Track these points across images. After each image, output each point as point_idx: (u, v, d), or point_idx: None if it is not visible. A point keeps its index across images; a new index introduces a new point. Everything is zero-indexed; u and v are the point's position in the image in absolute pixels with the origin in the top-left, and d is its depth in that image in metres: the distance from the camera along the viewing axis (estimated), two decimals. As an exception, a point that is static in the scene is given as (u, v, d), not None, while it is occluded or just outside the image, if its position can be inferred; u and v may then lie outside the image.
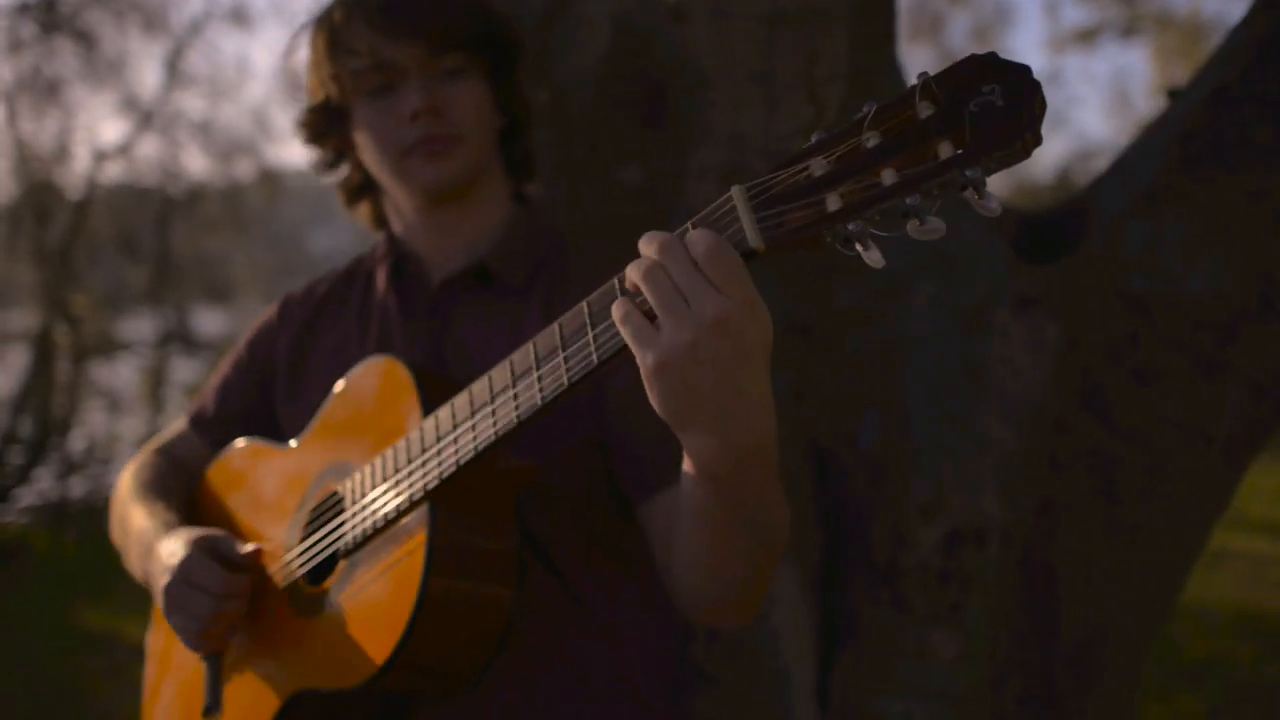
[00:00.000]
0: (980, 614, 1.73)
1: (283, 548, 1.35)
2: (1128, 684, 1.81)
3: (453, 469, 1.14)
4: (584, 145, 1.88)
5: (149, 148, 13.71)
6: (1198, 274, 1.69)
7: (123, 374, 13.71)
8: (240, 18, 12.69)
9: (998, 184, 0.85)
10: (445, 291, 1.48)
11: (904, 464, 1.76)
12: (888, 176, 0.78)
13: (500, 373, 1.12)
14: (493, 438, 1.10)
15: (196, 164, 13.48)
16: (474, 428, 1.13)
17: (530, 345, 1.08)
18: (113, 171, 12.64)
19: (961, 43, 12.48)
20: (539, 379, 1.06)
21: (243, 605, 1.29)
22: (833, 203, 0.80)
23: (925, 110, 0.76)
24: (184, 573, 1.25)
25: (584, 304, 1.00)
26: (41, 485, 12.73)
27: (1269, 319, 1.69)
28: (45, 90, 11.86)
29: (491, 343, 1.40)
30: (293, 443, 1.44)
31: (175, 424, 1.66)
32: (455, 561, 1.14)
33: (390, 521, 1.20)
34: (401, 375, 1.29)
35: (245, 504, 1.49)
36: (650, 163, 1.84)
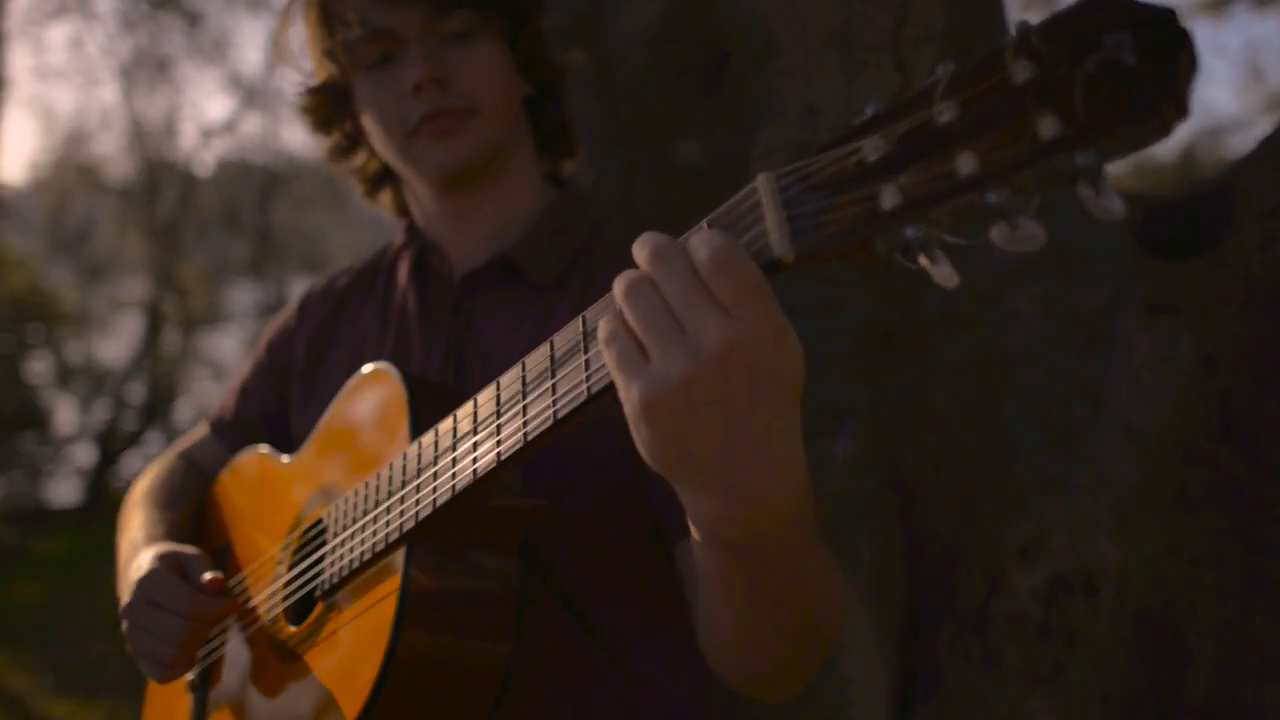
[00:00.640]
0: (1086, 677, 1.47)
1: (272, 575, 1.20)
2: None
3: (429, 510, 0.95)
4: (636, 119, 1.66)
5: (252, 125, 14.04)
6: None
7: (226, 345, 14.12)
8: (342, -6, 12.75)
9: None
10: (468, 287, 1.31)
11: (1002, 496, 1.51)
12: (965, 163, 0.57)
13: (487, 397, 0.92)
14: (471, 479, 0.91)
15: (297, 140, 13.69)
16: (454, 462, 0.95)
17: (520, 366, 0.88)
18: (218, 148, 12.97)
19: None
20: (524, 409, 0.86)
21: (207, 631, 1.17)
22: (889, 198, 0.61)
23: (1022, 72, 0.55)
24: (145, 589, 1.15)
25: (580, 318, 0.82)
26: (150, 450, 13.23)
27: None
28: (155, 68, 12.19)
29: (516, 347, 1.23)
30: (294, 456, 1.29)
31: (198, 428, 1.55)
32: (435, 614, 1.00)
33: (366, 564, 1.02)
34: (394, 388, 1.12)
35: (246, 519, 1.39)
36: (710, 139, 1.61)
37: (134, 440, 12.92)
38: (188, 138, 13.90)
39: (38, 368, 12.88)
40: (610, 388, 0.76)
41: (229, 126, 12.90)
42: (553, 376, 0.83)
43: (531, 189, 1.34)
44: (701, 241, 0.68)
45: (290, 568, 1.19)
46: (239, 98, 12.71)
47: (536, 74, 1.31)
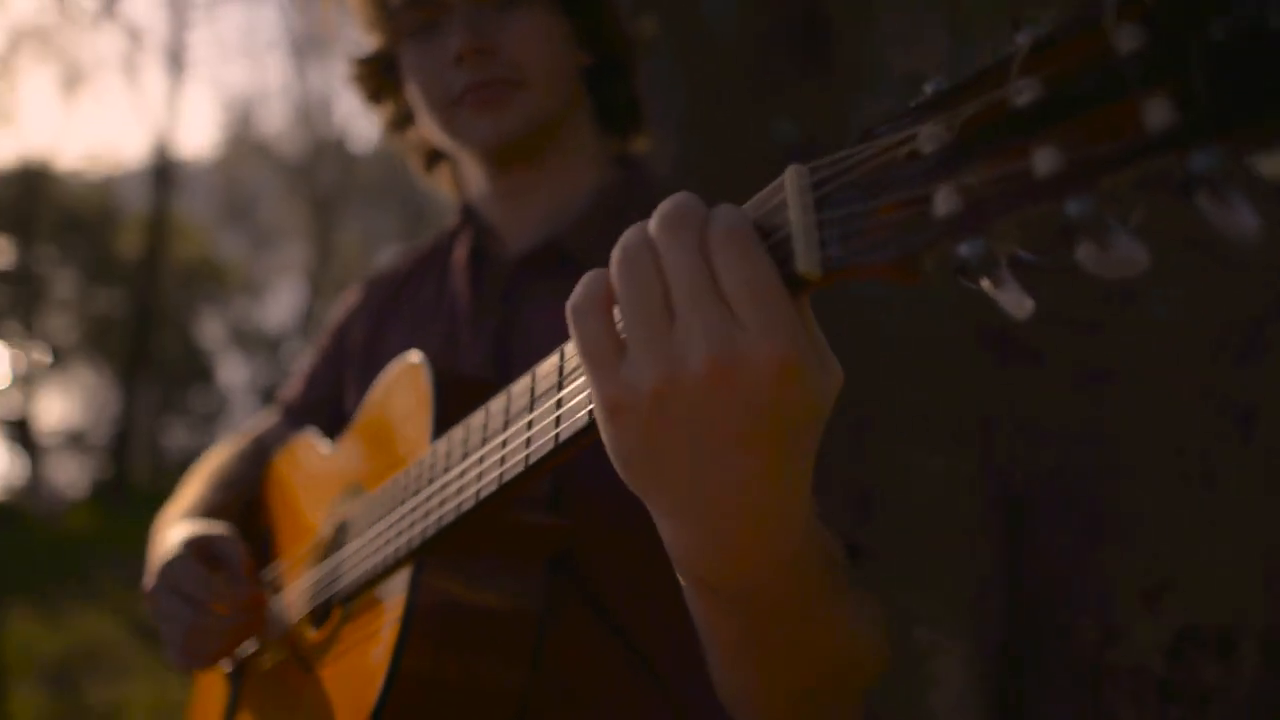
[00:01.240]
0: (1221, 745, 1.27)
1: (301, 572, 1.15)
2: None
3: (435, 530, 0.87)
4: (724, 93, 1.52)
5: (411, 99, 14.41)
6: None
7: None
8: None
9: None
10: (520, 274, 1.21)
11: (1125, 528, 1.32)
12: (1045, 160, 0.44)
13: (498, 407, 0.83)
14: (474, 501, 0.82)
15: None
16: (461, 476, 0.86)
17: (530, 376, 0.80)
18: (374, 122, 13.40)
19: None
20: (529, 425, 0.77)
21: (231, 622, 1.10)
22: (945, 202, 0.48)
23: (1127, 40, 0.41)
24: (166, 574, 1.10)
25: None
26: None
27: None
28: (322, 46, 12.68)
29: (564, 340, 1.13)
30: (334, 446, 1.24)
31: (268, 410, 1.53)
32: (443, 636, 0.92)
33: (377, 576, 0.94)
34: (422, 382, 1.03)
35: (288, 508, 1.36)
36: (807, 114, 1.45)
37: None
38: (350, 113, 14.45)
39: (207, 329, 13.70)
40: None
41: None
42: (559, 390, 0.72)
43: (589, 168, 1.23)
44: (724, 212, 0.55)
45: (314, 567, 1.13)
46: (396, 73, 13.10)
47: (598, 44, 1.20)
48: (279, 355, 13.78)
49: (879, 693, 0.89)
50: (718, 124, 1.55)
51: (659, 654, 1.07)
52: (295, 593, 1.15)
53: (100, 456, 12.94)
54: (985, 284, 0.48)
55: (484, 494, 0.80)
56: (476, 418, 0.85)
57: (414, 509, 0.92)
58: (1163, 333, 1.33)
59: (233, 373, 13.45)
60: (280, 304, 14.24)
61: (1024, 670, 1.38)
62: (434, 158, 1.36)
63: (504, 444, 0.79)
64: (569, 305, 0.60)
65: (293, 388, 1.50)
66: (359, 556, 1.01)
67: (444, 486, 0.88)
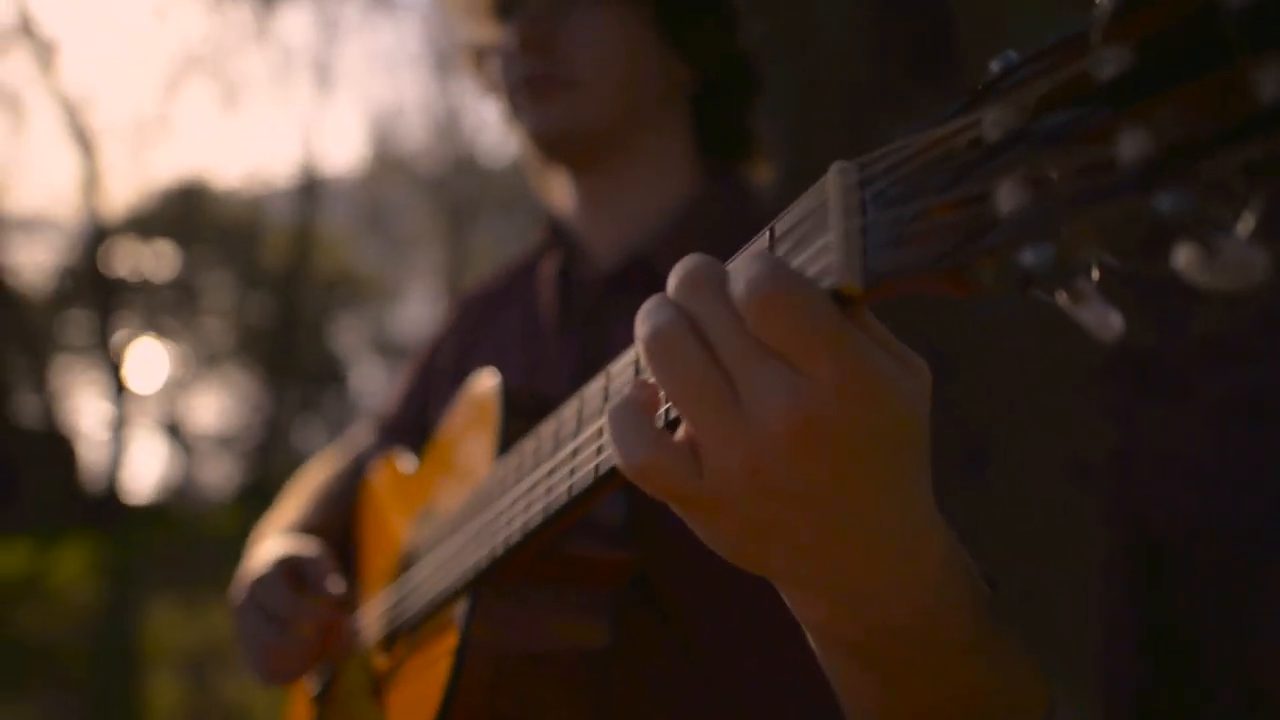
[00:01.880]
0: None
1: (379, 595, 1.14)
2: None
3: (488, 562, 0.82)
4: (838, 97, 1.43)
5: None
6: None
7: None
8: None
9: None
10: (606, 292, 1.16)
11: (1275, 579, 1.17)
12: (1132, 144, 0.36)
13: (549, 431, 0.78)
14: (520, 534, 0.77)
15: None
16: (512, 505, 0.83)
17: (578, 399, 0.73)
18: (511, 136, 13.71)
19: None
20: (574, 454, 0.72)
21: (309, 644, 1.09)
22: (1008, 198, 0.40)
23: None
24: (254, 591, 1.10)
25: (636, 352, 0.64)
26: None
27: None
28: (460, 62, 13.03)
29: None
30: (411, 468, 1.21)
31: (363, 426, 1.53)
32: (500, 670, 0.87)
33: (438, 604, 0.91)
34: (490, 400, 0.99)
35: (374, 527, 1.34)
36: (924, 119, 1.36)
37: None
38: (489, 126, 14.81)
39: (343, 335, 14.22)
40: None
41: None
42: (601, 416, 0.66)
43: (679, 181, 1.17)
44: (740, 276, 0.49)
45: (389, 591, 1.10)
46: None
47: (699, 57, 1.15)
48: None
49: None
50: (830, 131, 1.47)
51: (735, 681, 0.99)
52: (372, 616, 1.12)
53: (247, 458, 13.57)
54: (1061, 298, 0.40)
55: (552, 508, 0.74)
56: (547, 426, 0.80)
57: (476, 533, 0.88)
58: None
59: (367, 378, 13.88)
60: (414, 311, 14.66)
61: (1160, 734, 1.25)
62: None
63: (574, 452, 0.73)
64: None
65: (387, 404, 1.49)
66: (425, 583, 0.97)
67: (511, 504, 0.83)
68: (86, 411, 12.51)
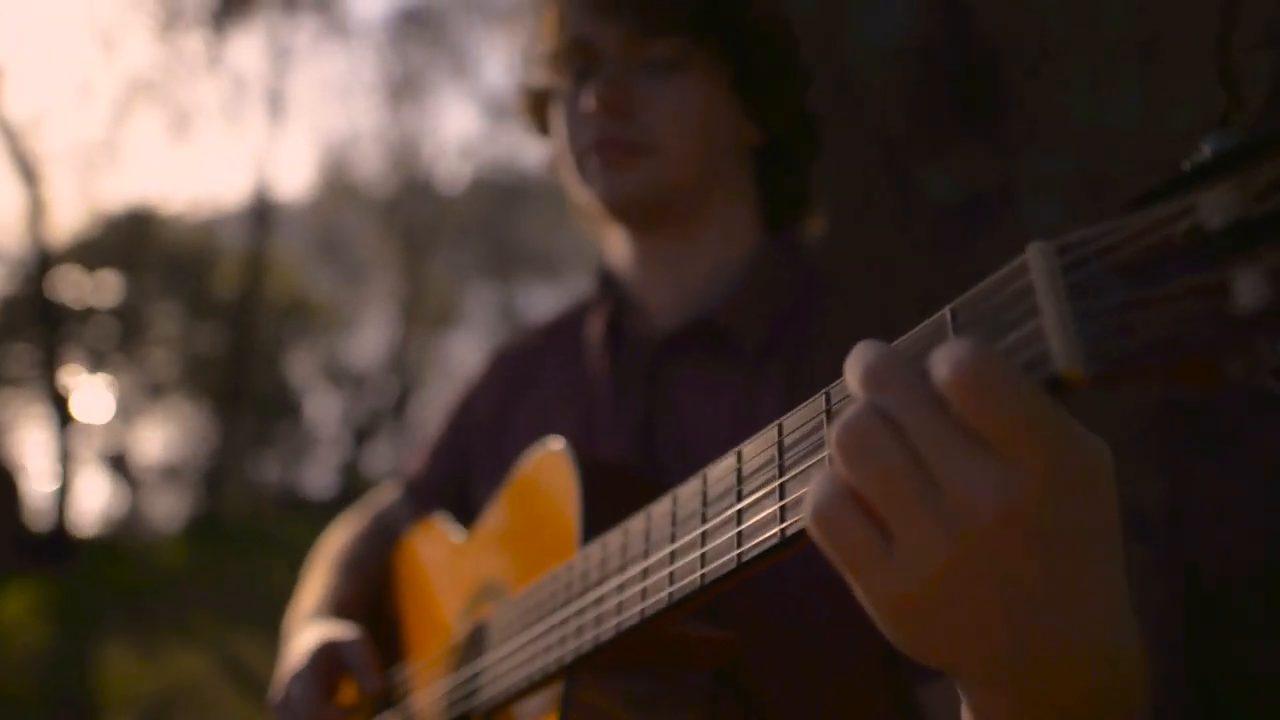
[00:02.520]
0: None
1: (436, 676, 1.07)
2: None
3: (590, 646, 0.77)
4: (877, 143, 1.41)
5: (501, 142, 14.67)
6: None
7: (468, 345, 14.81)
8: (585, 9, 13.18)
9: None
10: (665, 352, 1.12)
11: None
12: None
13: (662, 513, 0.73)
14: (637, 619, 0.72)
15: (537, 156, 14.22)
16: (621, 590, 0.78)
17: (700, 479, 0.69)
18: (468, 163, 13.65)
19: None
20: (702, 539, 0.68)
21: None
22: (1250, 290, 0.39)
23: None
24: (293, 689, 1.06)
25: (778, 425, 0.62)
26: (397, 445, 14.09)
27: None
28: (414, 88, 12.95)
29: (717, 425, 1.05)
30: (468, 535, 1.15)
31: (389, 486, 1.46)
32: None
33: (525, 690, 0.85)
34: (565, 476, 0.94)
35: (418, 600, 1.27)
36: (966, 169, 1.34)
37: (382, 436, 13.78)
38: (441, 154, 14.73)
39: (297, 363, 13.97)
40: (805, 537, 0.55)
41: (479, 144, 13.56)
42: (739, 500, 0.63)
43: (743, 242, 1.14)
44: (945, 359, 0.46)
45: (451, 673, 1.04)
46: (487, 115, 13.31)
47: (769, 119, 1.12)
48: (366, 390, 13.99)
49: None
50: (869, 177, 1.44)
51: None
52: (429, 699, 1.06)
53: (195, 490, 13.24)
54: None
55: (649, 612, 0.71)
56: (637, 524, 0.76)
57: (566, 621, 0.83)
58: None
59: (322, 407, 13.65)
60: (369, 339, 14.47)
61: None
62: None
63: (672, 557, 0.69)
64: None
65: (415, 463, 1.43)
66: (503, 667, 0.91)
67: (600, 599, 0.78)
68: (30, 445, 12.11)
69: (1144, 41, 1.07)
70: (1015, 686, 0.53)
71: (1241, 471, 1.27)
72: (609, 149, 1.04)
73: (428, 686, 1.07)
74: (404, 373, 14.09)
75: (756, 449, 0.63)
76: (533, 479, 1.01)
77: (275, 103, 12.06)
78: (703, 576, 0.65)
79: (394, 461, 13.90)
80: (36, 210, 11.26)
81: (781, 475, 0.59)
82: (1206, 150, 0.43)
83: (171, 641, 7.31)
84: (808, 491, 0.53)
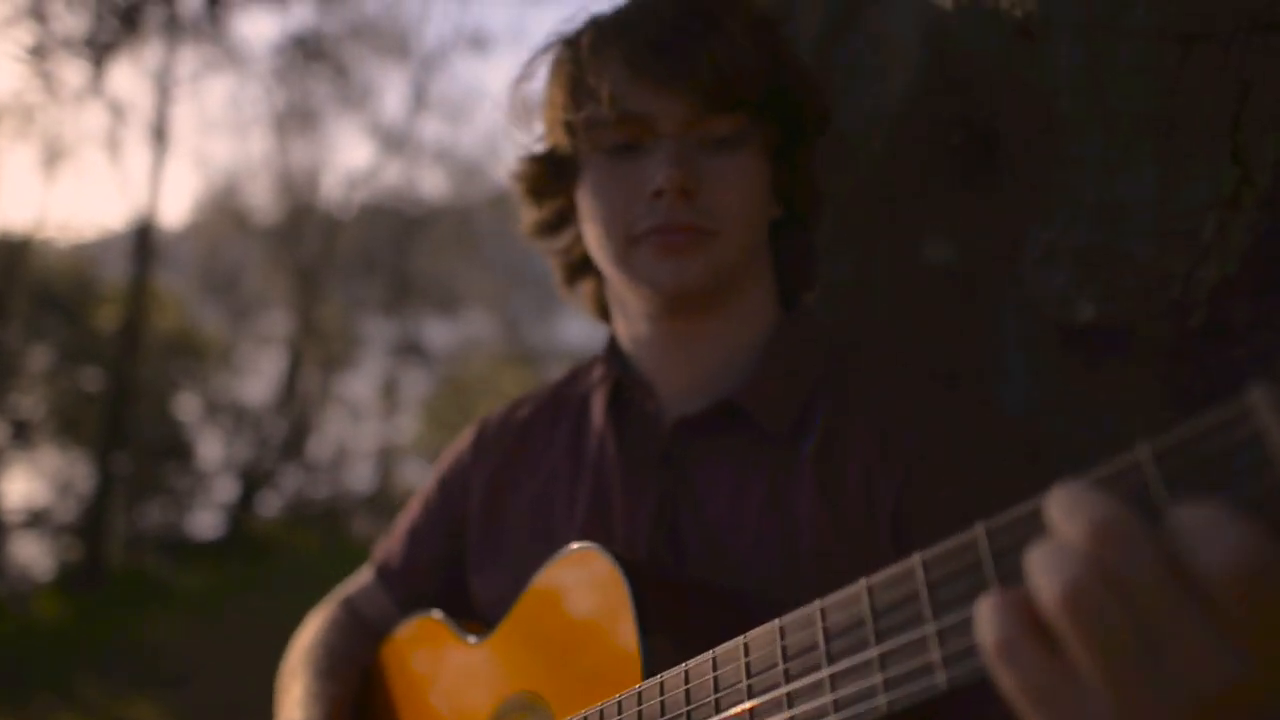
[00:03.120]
0: None
1: None
2: None
3: None
4: (875, 210, 1.40)
5: (393, 172, 14.41)
6: None
7: (361, 384, 14.44)
8: (479, 44, 13.09)
9: None
10: (681, 434, 1.08)
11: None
12: None
13: (764, 642, 0.68)
14: None
15: (434, 186, 14.01)
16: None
17: (775, 631, 0.64)
18: (360, 193, 13.35)
19: None
20: (788, 700, 0.62)
21: None
22: None
23: None
24: None
25: (915, 561, 0.59)
26: (288, 486, 13.61)
27: None
28: (304, 119, 12.64)
29: (744, 511, 1.01)
30: (477, 638, 1.08)
31: (363, 572, 1.37)
32: None
33: None
34: (615, 589, 0.89)
35: (420, 704, 1.16)
36: (968, 235, 1.34)
37: (273, 477, 13.29)
38: (332, 184, 14.36)
39: (185, 403, 13.38)
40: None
41: (370, 173, 13.29)
42: (877, 640, 0.59)
43: (763, 319, 1.11)
44: (1221, 547, 0.44)
45: None
46: (381, 145, 13.07)
47: (793, 196, 1.10)
48: (257, 428, 13.49)
49: None
50: (866, 244, 1.43)
51: None
52: None
53: (68, 537, 12.51)
54: None
55: None
56: (730, 654, 0.71)
57: None
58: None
59: (211, 447, 13.11)
60: (260, 376, 13.97)
61: None
62: (577, 270, 1.24)
63: (789, 699, 0.64)
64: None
65: (391, 547, 1.34)
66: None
67: None
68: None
69: (1161, 118, 1.08)
70: None
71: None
72: (677, 234, 0.99)
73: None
74: (297, 410, 13.64)
75: (889, 581, 0.59)
76: (568, 582, 0.95)
77: (158, 132, 11.61)
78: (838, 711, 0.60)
79: (288, 503, 13.41)
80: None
81: (937, 616, 0.55)
82: None
83: (51, 705, 6.86)
84: (982, 620, 0.50)
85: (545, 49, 1.14)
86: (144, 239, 12.21)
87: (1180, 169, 1.12)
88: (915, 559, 0.58)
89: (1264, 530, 0.44)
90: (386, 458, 13.76)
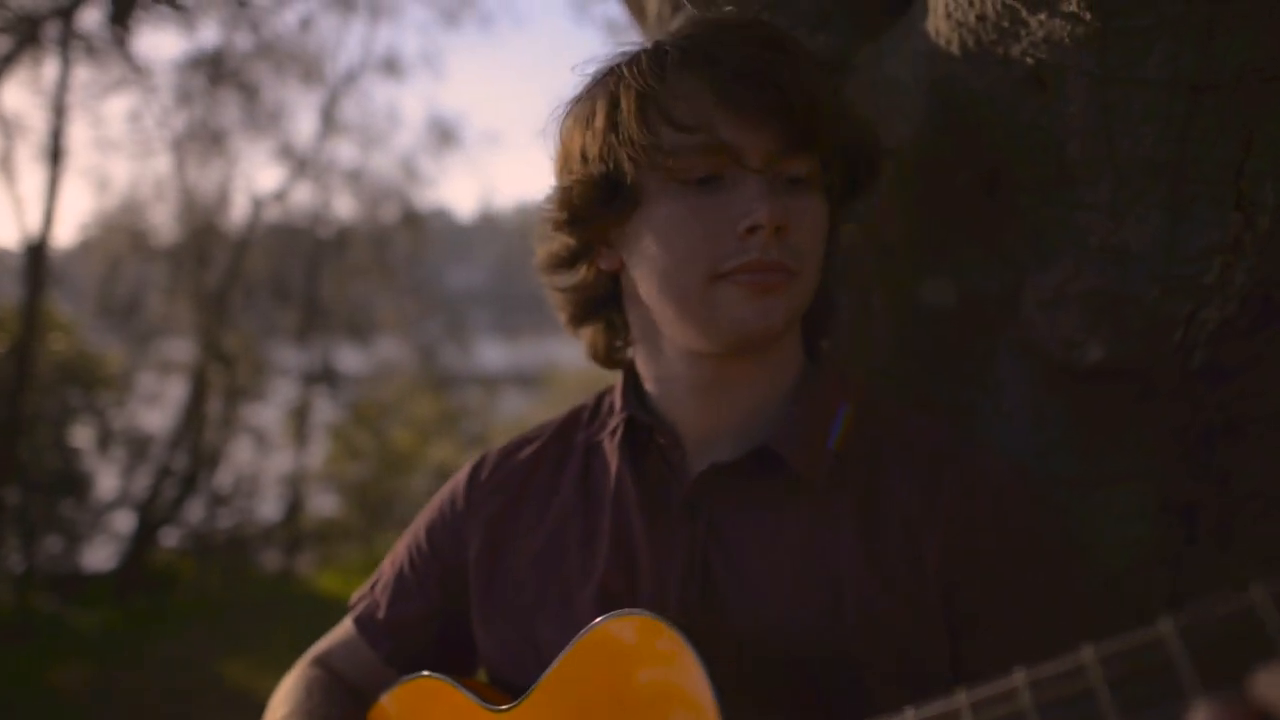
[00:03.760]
0: None
1: None
2: None
3: None
4: (874, 251, 1.41)
5: (303, 194, 14.11)
6: None
7: (269, 412, 14.02)
8: (392, 67, 12.91)
9: None
10: (709, 481, 1.05)
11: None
12: None
13: None
14: None
15: (346, 209, 13.74)
16: None
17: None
18: (268, 216, 13.01)
19: None
20: None
21: None
22: None
23: None
24: None
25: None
26: (191, 518, 13.09)
27: None
28: (210, 140, 12.26)
29: (781, 562, 1.00)
30: (510, 709, 1.03)
31: (339, 627, 1.28)
32: None
33: None
34: (681, 657, 0.85)
35: None
36: (968, 277, 1.35)
37: (174, 510, 12.78)
38: (239, 207, 14.00)
39: (80, 432, 12.79)
40: None
41: (280, 196, 12.97)
42: None
43: (795, 366, 1.10)
44: None
45: None
46: (290, 168, 12.76)
47: (833, 235, 1.10)
48: (160, 460, 12.99)
49: None
50: (865, 285, 1.44)
51: None
52: None
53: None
54: None
55: None
56: None
57: None
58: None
59: (109, 479, 12.55)
60: (163, 406, 13.47)
61: None
62: (593, 309, 1.18)
63: None
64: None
65: (374, 598, 1.26)
66: None
67: None
68: None
69: (1169, 166, 1.10)
70: None
71: (1232, 565, 1.33)
72: (765, 273, 0.96)
73: None
74: (201, 439, 13.17)
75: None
76: (626, 653, 0.91)
77: (54, 150, 11.13)
78: None
79: (191, 534, 12.92)
80: None
81: None
82: None
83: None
84: None
85: (596, 72, 1.08)
86: (37, 260, 11.67)
87: (1186, 214, 1.15)
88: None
89: None
90: (295, 487, 13.34)
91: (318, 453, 14.32)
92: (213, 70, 11.76)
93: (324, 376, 14.14)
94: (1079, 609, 1.00)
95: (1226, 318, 1.20)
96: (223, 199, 12.92)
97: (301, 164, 12.82)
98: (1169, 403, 1.28)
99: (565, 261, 1.14)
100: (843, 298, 1.39)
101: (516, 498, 1.19)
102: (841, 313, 1.40)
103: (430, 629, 1.23)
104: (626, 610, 0.92)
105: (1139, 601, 1.32)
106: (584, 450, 1.18)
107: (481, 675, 1.21)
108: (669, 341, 1.07)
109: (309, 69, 12.22)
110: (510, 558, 1.16)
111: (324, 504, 13.98)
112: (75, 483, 12.73)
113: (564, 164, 1.08)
